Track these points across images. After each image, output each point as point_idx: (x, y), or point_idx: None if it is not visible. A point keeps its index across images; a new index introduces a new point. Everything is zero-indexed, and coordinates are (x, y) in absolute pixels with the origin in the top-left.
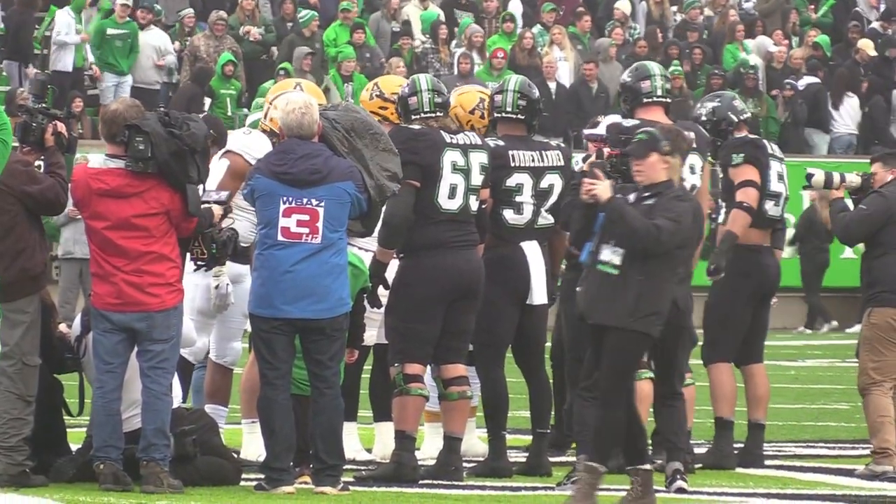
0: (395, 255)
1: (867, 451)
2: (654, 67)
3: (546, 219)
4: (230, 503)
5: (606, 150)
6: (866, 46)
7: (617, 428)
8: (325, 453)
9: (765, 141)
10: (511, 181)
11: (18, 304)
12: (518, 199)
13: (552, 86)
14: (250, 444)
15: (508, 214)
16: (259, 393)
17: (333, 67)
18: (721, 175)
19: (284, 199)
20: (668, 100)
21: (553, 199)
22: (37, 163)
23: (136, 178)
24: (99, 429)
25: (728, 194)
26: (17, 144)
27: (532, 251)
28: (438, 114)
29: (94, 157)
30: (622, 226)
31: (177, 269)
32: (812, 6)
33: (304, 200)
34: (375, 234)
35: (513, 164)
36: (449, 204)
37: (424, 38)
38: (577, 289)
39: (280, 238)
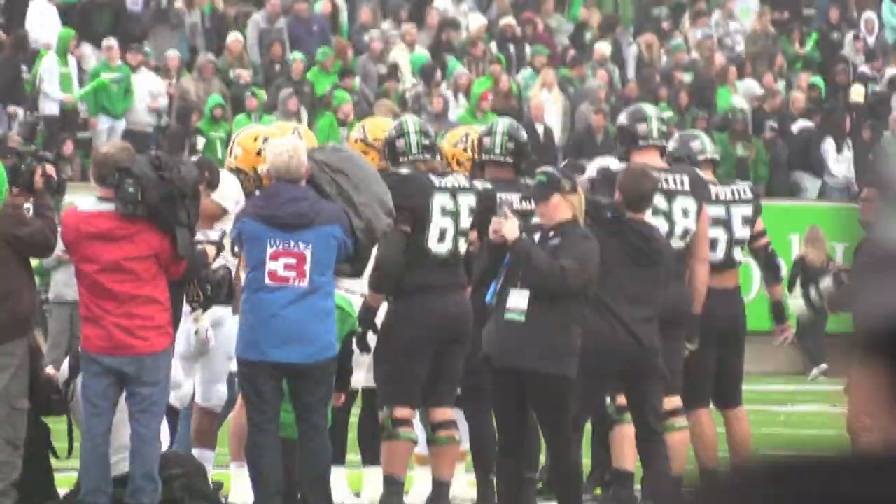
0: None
1: None
2: (650, 110)
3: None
4: None
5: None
6: (857, 94)
7: (580, 470)
8: (313, 498)
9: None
10: None
11: (6, 347)
12: None
13: (540, 128)
14: (239, 487)
15: None
16: (247, 437)
17: (330, 110)
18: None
19: (272, 241)
20: (664, 143)
21: None
22: (25, 205)
23: (125, 221)
24: (87, 472)
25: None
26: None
27: None
28: (426, 156)
29: (84, 201)
30: (528, 266)
31: (166, 312)
32: (798, 43)
33: (292, 244)
34: (363, 275)
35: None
36: (438, 248)
37: (416, 81)
38: (483, 332)
39: (267, 282)
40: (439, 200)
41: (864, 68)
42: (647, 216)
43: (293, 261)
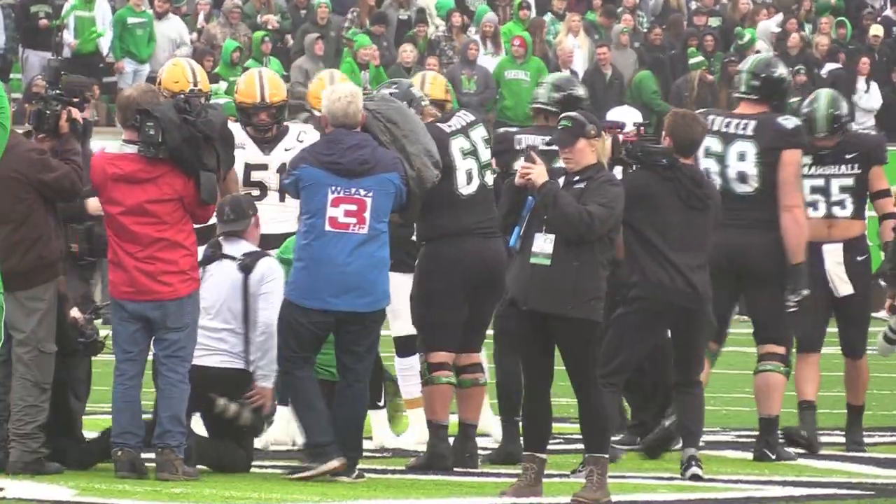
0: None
1: (882, 440)
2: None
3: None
4: (245, 489)
5: (622, 136)
6: (878, 32)
7: (607, 413)
8: (344, 443)
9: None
10: None
11: (34, 291)
12: None
13: (568, 72)
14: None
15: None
16: (284, 376)
17: (349, 55)
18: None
19: (333, 188)
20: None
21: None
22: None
23: (148, 163)
24: (118, 415)
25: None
26: (26, 131)
27: None
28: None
29: (112, 143)
30: (555, 211)
31: (191, 257)
32: None
33: (353, 190)
34: (412, 224)
35: (518, 148)
36: (468, 189)
37: (439, 23)
38: (508, 276)
39: (327, 228)
40: (456, 144)
41: (888, 12)
42: (700, 158)
43: (354, 207)
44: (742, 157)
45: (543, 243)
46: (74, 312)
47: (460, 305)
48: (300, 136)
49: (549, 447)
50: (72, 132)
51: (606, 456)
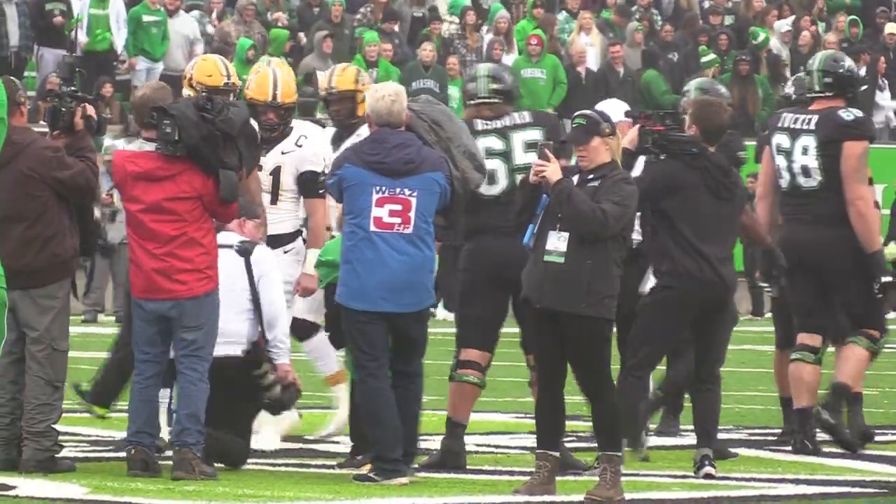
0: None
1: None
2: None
3: None
4: (258, 487)
5: (650, 127)
6: (893, 30)
7: (619, 411)
8: (405, 441)
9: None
10: None
11: (48, 289)
12: None
13: (581, 72)
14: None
15: None
16: (359, 385)
17: (359, 52)
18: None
19: (377, 188)
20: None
21: None
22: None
23: (167, 161)
24: (135, 414)
25: None
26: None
27: None
28: (495, 100)
29: (132, 142)
30: (569, 209)
31: (208, 255)
32: None
33: (398, 190)
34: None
35: None
36: (490, 190)
37: (451, 19)
38: (523, 273)
39: (372, 228)
40: (483, 143)
41: None
42: (774, 155)
43: (399, 207)
44: (805, 150)
45: (557, 241)
46: (97, 212)
47: (488, 303)
48: (300, 140)
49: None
50: (86, 129)
51: (620, 454)
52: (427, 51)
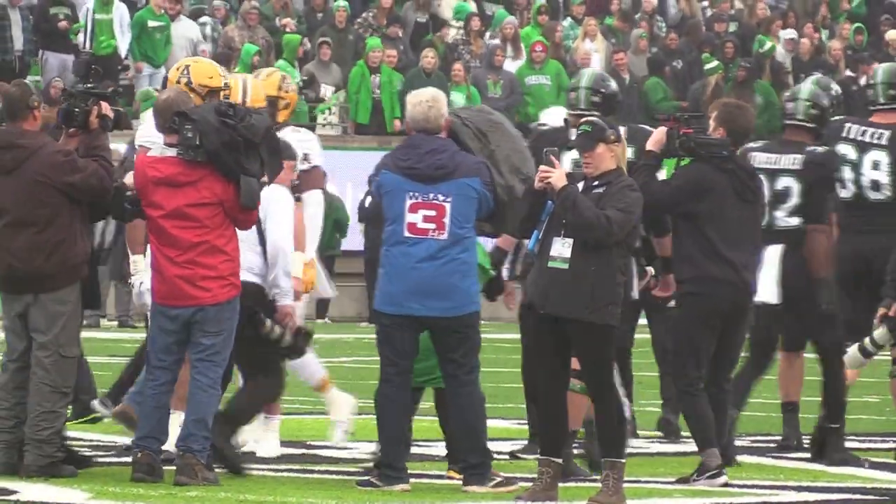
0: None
1: None
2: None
3: (786, 221)
4: (260, 492)
5: (678, 129)
6: (892, 35)
7: (623, 417)
8: (467, 452)
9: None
10: None
11: (58, 294)
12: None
13: None
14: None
15: None
16: (377, 388)
17: (361, 58)
18: None
19: (411, 194)
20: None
21: (793, 200)
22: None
23: (188, 167)
24: (145, 418)
25: None
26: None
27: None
28: (596, 110)
29: (154, 146)
30: (574, 215)
31: (231, 262)
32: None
33: (431, 195)
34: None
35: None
36: None
37: (457, 25)
38: (527, 279)
39: (406, 234)
40: (570, 155)
41: None
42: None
43: (433, 213)
44: (876, 165)
45: (562, 247)
46: (127, 178)
47: None
48: None
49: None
50: (101, 128)
51: (623, 460)
52: (429, 57)
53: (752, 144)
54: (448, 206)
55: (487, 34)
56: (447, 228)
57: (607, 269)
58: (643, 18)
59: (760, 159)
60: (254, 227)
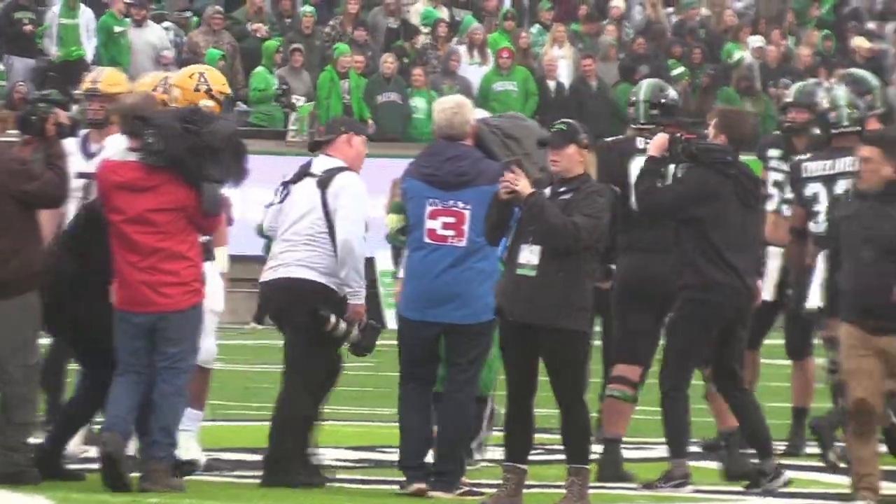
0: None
1: None
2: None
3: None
4: (224, 499)
5: (681, 135)
6: (861, 43)
7: (589, 424)
8: (440, 457)
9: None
10: (807, 191)
11: (15, 302)
12: (816, 208)
13: (551, 84)
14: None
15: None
16: (398, 391)
17: (330, 63)
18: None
19: (431, 200)
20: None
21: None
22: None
23: (149, 172)
24: (113, 403)
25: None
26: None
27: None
28: (652, 126)
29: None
30: (541, 223)
31: (194, 268)
32: (816, 3)
33: (451, 202)
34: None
35: (804, 175)
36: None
37: (425, 30)
38: (496, 286)
39: (426, 240)
40: (638, 163)
41: (870, 25)
42: None
43: (452, 220)
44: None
45: (530, 254)
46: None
47: (629, 319)
48: None
49: (530, 458)
50: (57, 135)
51: (588, 467)
52: (388, 62)
53: (801, 157)
54: (467, 214)
55: (455, 40)
56: (466, 235)
57: (576, 274)
58: (611, 23)
59: (814, 167)
60: (322, 219)
